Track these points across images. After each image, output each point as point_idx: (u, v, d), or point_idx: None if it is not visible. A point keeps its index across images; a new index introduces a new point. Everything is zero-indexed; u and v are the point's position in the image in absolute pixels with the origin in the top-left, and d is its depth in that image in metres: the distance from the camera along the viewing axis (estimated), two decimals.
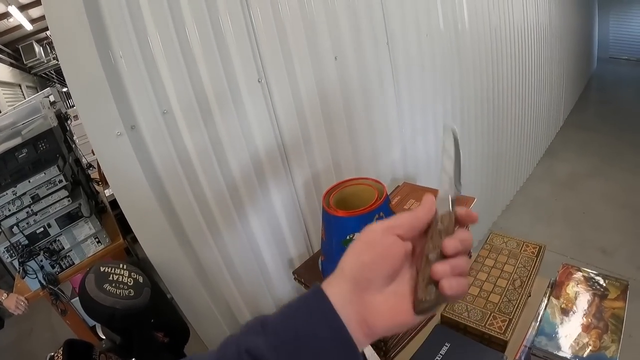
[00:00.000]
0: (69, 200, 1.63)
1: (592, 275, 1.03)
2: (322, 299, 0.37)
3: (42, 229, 1.60)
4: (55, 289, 1.65)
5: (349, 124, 1.51)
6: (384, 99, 1.64)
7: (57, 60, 1.17)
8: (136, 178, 1.05)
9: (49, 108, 1.90)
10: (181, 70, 1.06)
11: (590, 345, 0.87)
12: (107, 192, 2.38)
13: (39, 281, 1.63)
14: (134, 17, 0.97)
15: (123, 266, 0.96)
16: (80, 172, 2.01)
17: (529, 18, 2.81)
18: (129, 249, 2.38)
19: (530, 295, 1.01)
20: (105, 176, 1.04)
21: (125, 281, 0.93)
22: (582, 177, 3.42)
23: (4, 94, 5.98)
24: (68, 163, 1.78)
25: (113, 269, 0.94)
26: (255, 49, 1.20)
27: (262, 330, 0.37)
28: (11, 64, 6.39)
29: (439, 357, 0.90)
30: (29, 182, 1.55)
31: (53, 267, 1.66)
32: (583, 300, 0.97)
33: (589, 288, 1.00)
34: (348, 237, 0.94)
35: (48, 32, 6.21)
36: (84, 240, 1.72)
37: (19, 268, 1.58)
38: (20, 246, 1.57)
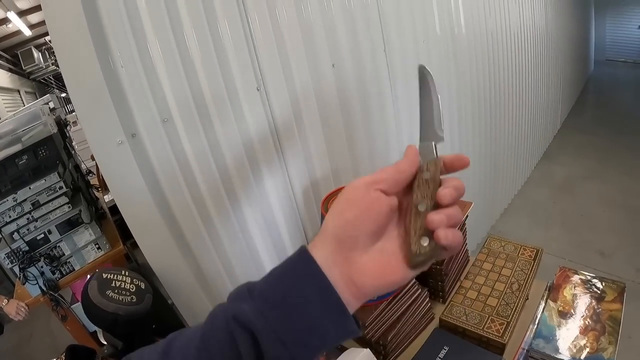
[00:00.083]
0: (69, 207, 1.63)
1: (589, 277, 1.04)
2: (308, 261, 0.36)
3: (42, 235, 1.60)
4: (56, 295, 1.65)
5: (347, 130, 1.52)
6: (382, 105, 1.65)
7: (57, 66, 1.18)
8: (137, 185, 1.06)
9: (48, 115, 1.90)
10: (180, 78, 1.07)
11: (587, 347, 0.88)
12: (107, 198, 2.38)
13: (40, 287, 1.63)
14: (134, 28, 0.98)
15: (125, 273, 0.97)
16: (80, 179, 2.01)
17: (525, 22, 2.84)
18: (128, 255, 2.38)
19: (528, 299, 1.02)
20: (107, 183, 1.05)
21: (128, 287, 0.94)
22: (579, 180, 3.44)
23: (3, 99, 5.99)
24: (68, 169, 1.78)
25: (115, 276, 0.95)
26: (254, 57, 1.21)
27: (248, 296, 0.37)
28: (10, 70, 6.41)
29: None
30: (30, 188, 1.56)
31: (53, 273, 1.66)
32: (580, 302, 0.99)
33: (586, 291, 1.01)
34: None
35: (47, 38, 6.23)
36: (85, 247, 1.72)
37: (20, 274, 1.59)
38: (20, 252, 1.57)
